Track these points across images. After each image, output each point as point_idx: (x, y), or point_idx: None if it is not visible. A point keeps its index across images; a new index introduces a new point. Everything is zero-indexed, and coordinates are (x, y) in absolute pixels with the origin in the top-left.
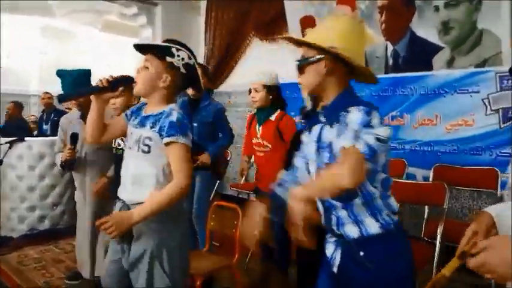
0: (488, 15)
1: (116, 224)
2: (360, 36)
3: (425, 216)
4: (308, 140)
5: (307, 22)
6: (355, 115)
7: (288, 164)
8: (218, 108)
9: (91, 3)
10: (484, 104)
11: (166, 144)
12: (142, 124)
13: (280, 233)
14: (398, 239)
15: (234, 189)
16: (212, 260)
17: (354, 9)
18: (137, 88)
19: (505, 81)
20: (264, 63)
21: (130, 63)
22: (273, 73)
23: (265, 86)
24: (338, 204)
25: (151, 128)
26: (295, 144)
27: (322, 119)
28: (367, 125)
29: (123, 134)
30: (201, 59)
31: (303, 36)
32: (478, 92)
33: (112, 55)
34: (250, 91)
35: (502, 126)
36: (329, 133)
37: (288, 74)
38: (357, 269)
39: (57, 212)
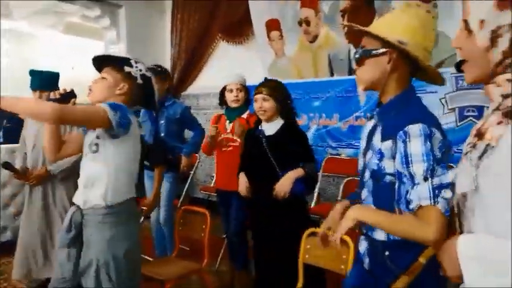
0: (441, 17)
1: None
2: (430, 31)
3: None
4: (363, 135)
5: (273, 25)
6: (416, 145)
7: (241, 163)
8: (184, 107)
9: (51, 4)
10: (442, 103)
11: None
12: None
13: (237, 232)
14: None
15: (204, 192)
16: (181, 265)
17: (317, 11)
18: (92, 96)
19: (461, 82)
20: (230, 66)
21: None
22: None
23: (244, 87)
24: None
25: None
26: (246, 144)
27: (375, 117)
28: (433, 157)
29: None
30: (167, 61)
31: (270, 40)
32: (435, 92)
33: (75, 57)
34: (223, 91)
35: (458, 124)
36: (381, 142)
37: (251, 76)
38: (383, 269)
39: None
